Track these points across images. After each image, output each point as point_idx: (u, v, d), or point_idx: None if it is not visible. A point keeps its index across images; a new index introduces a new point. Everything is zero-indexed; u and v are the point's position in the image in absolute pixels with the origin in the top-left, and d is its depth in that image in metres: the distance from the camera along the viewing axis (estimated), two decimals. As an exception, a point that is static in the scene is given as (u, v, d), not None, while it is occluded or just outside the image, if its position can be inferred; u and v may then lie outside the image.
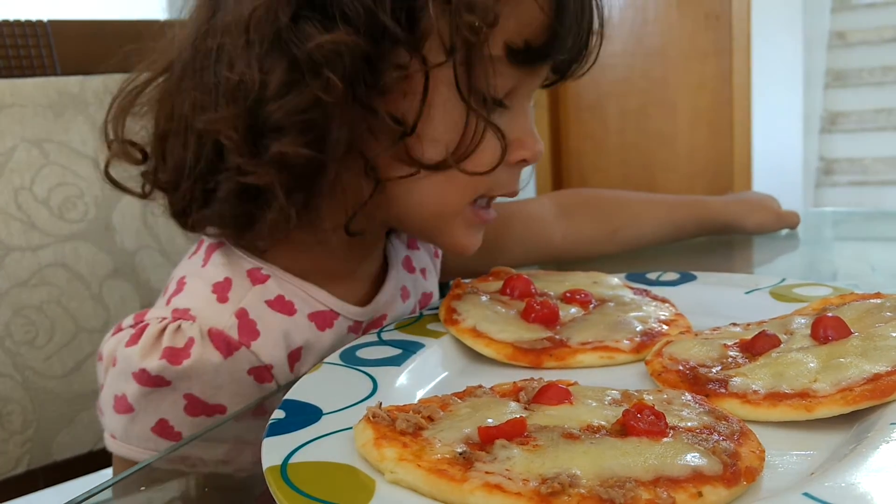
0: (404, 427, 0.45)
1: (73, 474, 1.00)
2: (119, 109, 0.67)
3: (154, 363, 0.61)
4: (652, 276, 0.78)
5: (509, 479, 0.39)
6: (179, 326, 0.63)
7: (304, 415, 0.50)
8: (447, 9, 0.57)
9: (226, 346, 0.63)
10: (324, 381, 0.56)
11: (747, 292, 0.71)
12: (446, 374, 0.61)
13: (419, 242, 0.85)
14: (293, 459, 0.44)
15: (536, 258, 0.96)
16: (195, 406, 0.63)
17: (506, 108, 0.65)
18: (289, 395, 0.53)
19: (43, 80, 1.00)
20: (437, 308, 0.70)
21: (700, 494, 0.39)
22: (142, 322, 0.65)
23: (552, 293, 0.71)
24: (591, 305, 0.69)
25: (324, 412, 0.50)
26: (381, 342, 0.64)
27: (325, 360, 0.60)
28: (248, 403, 0.65)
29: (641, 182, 4.25)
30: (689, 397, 0.49)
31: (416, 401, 0.53)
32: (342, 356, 0.61)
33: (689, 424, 0.45)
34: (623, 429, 0.44)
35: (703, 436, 0.43)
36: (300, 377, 0.57)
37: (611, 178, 4.39)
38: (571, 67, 0.68)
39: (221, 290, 0.66)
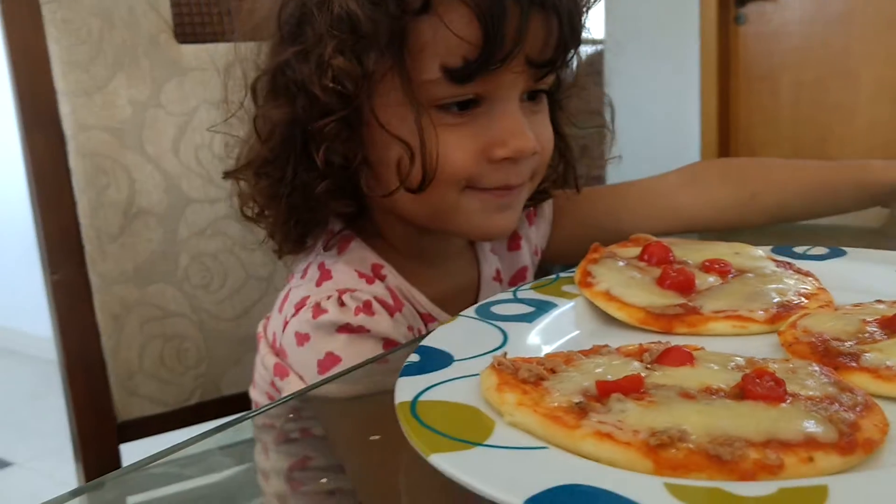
0: (526, 376, 0.47)
1: (237, 408, 1.10)
2: None
3: (357, 319, 0.73)
4: (799, 249, 0.76)
5: (620, 429, 0.41)
6: (354, 295, 0.74)
7: (437, 359, 0.54)
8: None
9: (390, 309, 0.76)
10: (458, 331, 0.60)
11: (900, 270, 0.68)
12: (576, 333, 0.63)
13: (522, 240, 0.91)
14: (423, 398, 0.48)
15: (663, 229, 0.90)
16: (389, 345, 0.74)
17: (463, 114, 0.72)
18: (424, 342, 0.57)
19: (224, 45, 1.09)
20: (573, 271, 0.72)
21: (811, 459, 0.39)
22: (310, 304, 0.75)
23: (690, 261, 0.71)
24: (730, 275, 0.68)
25: (455, 358, 0.54)
26: (516, 300, 0.67)
27: (461, 313, 0.64)
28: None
29: (815, 158, 4.00)
30: (816, 368, 0.48)
31: (542, 356, 0.55)
32: (477, 311, 0.64)
33: (809, 393, 0.45)
34: (741, 392, 0.44)
35: (823, 405, 0.43)
36: (434, 327, 0.61)
37: (782, 154, 4.16)
38: (550, 61, 0.72)
39: (365, 275, 0.78)
